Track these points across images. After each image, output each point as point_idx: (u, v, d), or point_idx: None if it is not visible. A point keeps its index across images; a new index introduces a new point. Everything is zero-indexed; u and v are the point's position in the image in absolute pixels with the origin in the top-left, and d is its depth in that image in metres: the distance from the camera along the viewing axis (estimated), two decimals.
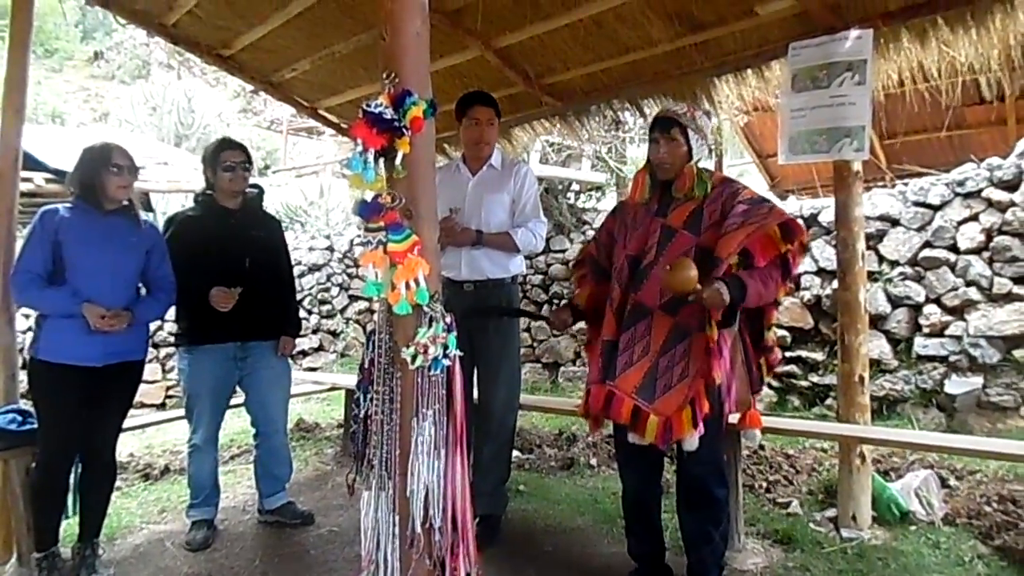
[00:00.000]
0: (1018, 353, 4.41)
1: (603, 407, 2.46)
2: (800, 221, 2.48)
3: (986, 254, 4.61)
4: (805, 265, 5.31)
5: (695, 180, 2.47)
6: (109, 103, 20.77)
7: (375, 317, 1.82)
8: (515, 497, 3.70)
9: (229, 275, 3.16)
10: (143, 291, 3.02)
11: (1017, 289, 4.47)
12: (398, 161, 1.70)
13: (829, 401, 4.93)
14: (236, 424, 4.62)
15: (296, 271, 8.10)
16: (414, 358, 1.67)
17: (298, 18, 3.86)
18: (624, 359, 2.37)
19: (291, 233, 9.26)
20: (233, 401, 3.47)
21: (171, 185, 9.10)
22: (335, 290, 8.36)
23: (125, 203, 2.90)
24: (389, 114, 1.65)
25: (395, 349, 1.74)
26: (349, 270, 8.38)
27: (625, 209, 2.69)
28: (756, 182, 9.14)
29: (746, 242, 2.31)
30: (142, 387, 6.47)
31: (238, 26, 4.10)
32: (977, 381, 4.49)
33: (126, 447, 4.68)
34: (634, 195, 2.61)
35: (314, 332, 8.22)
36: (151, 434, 4.96)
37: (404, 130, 1.67)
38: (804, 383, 5.17)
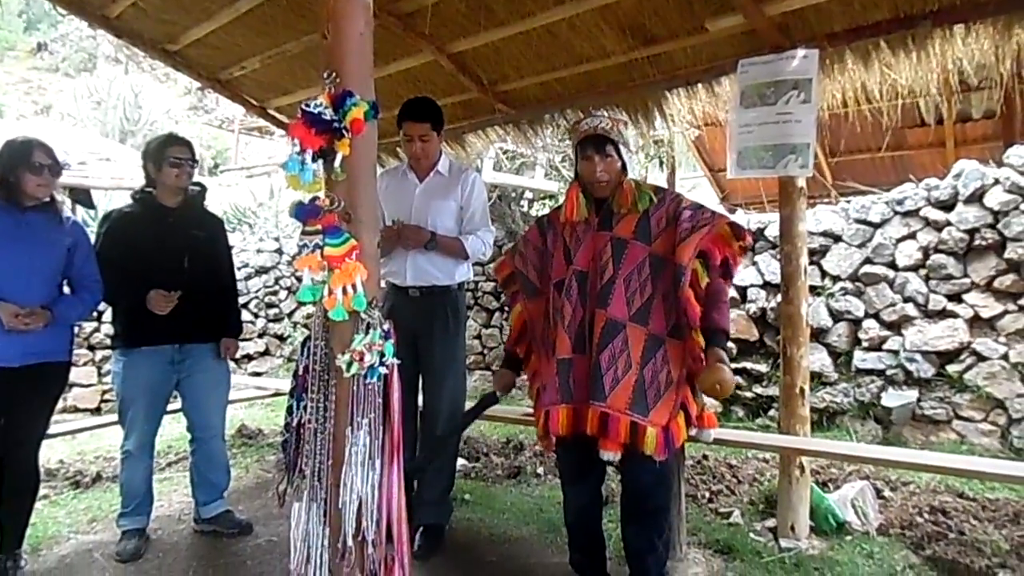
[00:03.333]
0: (951, 368, 4.56)
1: (572, 427, 2.42)
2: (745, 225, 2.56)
3: (923, 271, 4.76)
4: (752, 278, 5.41)
5: (635, 194, 2.49)
6: (52, 96, 20.06)
7: (311, 322, 1.77)
8: (460, 506, 3.66)
9: (167, 275, 3.06)
10: (68, 291, 2.91)
11: (951, 306, 4.62)
12: (337, 163, 1.66)
13: (772, 412, 5.02)
14: (174, 429, 4.48)
15: (243, 273, 7.93)
16: (349, 365, 1.63)
17: (247, 15, 3.78)
18: (610, 377, 2.34)
19: (239, 234, 9.06)
20: (171, 406, 3.35)
21: (114, 182, 8.83)
22: (283, 293, 8.20)
23: (46, 200, 2.79)
24: (329, 115, 1.61)
25: (330, 356, 1.70)
26: (297, 273, 8.22)
27: (556, 225, 2.65)
28: (707, 195, 9.30)
29: (702, 244, 2.39)
30: (76, 391, 6.38)
31: (184, 21, 4.00)
32: (912, 395, 4.62)
33: (56, 453, 4.50)
34: (570, 213, 2.56)
35: (260, 336, 8.03)
36: (84, 440, 4.79)
37: (344, 131, 1.63)
38: (748, 394, 5.25)
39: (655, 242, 2.44)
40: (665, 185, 8.36)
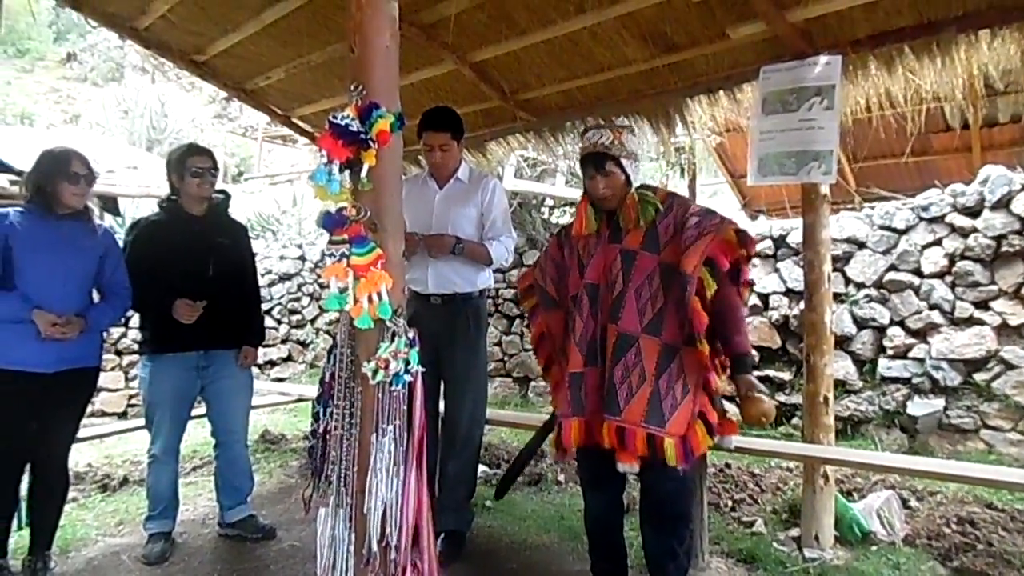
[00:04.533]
0: (978, 376, 4.49)
1: (584, 439, 2.45)
2: (752, 234, 2.53)
3: (949, 278, 4.70)
4: (774, 285, 5.37)
5: (638, 208, 2.47)
6: (81, 105, 20.45)
7: (337, 330, 1.80)
8: (481, 513, 3.67)
9: (193, 283, 3.11)
10: (96, 297, 2.97)
11: (978, 313, 4.55)
12: (364, 174, 1.69)
13: (796, 420, 4.96)
14: (199, 435, 4.53)
15: (266, 280, 8.03)
16: (375, 373, 1.65)
17: (273, 26, 3.83)
18: (624, 390, 2.34)
19: (262, 241, 9.17)
20: (197, 411, 3.41)
21: (141, 190, 8.97)
22: (305, 300, 8.28)
23: (79, 208, 2.86)
24: (356, 126, 1.64)
25: (356, 363, 1.72)
26: (320, 280, 8.30)
27: (572, 238, 2.66)
28: (728, 201, 9.25)
29: (708, 251, 2.34)
30: (103, 395, 6.49)
31: (212, 32, 4.06)
32: (938, 403, 4.56)
33: (84, 457, 4.58)
34: (580, 228, 2.59)
35: (283, 342, 8.12)
36: (111, 444, 4.85)
37: (371, 143, 1.65)
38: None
39: (664, 251, 2.42)
40: (685, 192, 8.33)
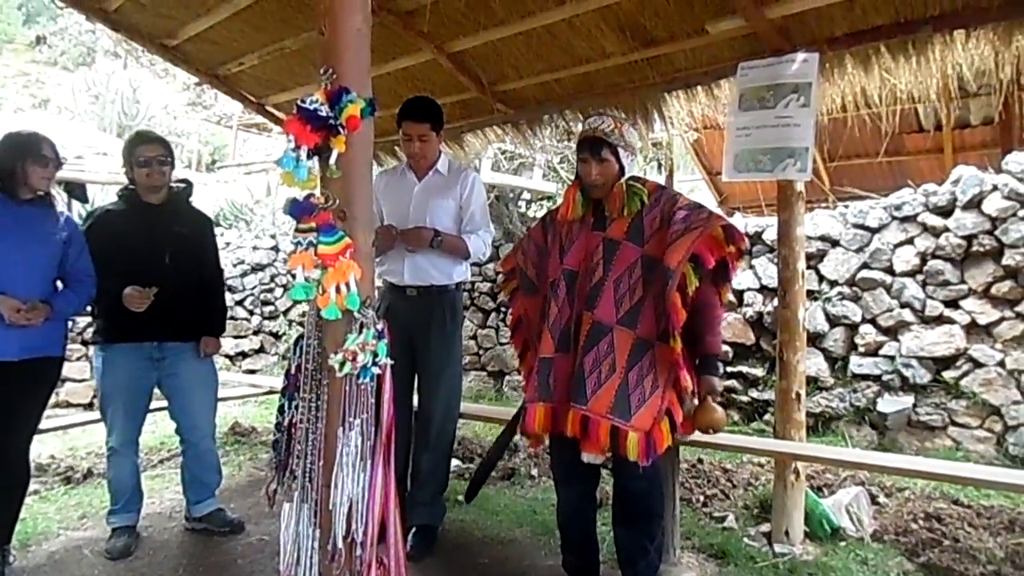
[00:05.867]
0: (947, 374, 4.55)
1: (550, 426, 2.43)
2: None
3: (920, 277, 4.75)
4: (748, 282, 5.39)
5: (624, 198, 2.45)
6: (50, 90, 20.00)
7: (304, 321, 1.75)
8: (453, 507, 3.64)
9: (147, 272, 3.02)
10: (60, 285, 2.90)
11: (948, 312, 4.61)
12: (332, 160, 1.64)
13: (768, 416, 5.00)
14: (167, 426, 4.44)
15: (239, 270, 7.91)
16: (342, 365, 1.61)
17: (246, 10, 3.75)
18: (593, 380, 2.32)
19: (235, 231, 9.04)
20: (161, 404, 3.33)
21: (111, 177, 8.77)
22: (278, 291, 8.17)
23: (41, 193, 2.79)
24: (324, 111, 1.59)
25: (323, 355, 1.68)
26: (293, 271, 8.18)
27: (556, 223, 2.64)
28: (705, 198, 9.28)
29: (694, 248, 2.31)
30: (68, 385, 6.37)
31: (183, 16, 3.97)
32: (908, 400, 4.61)
33: (47, 448, 4.47)
34: (566, 212, 2.57)
35: (255, 333, 8.00)
36: (75, 435, 4.75)
37: (340, 128, 1.61)
38: (744, 398, 5.24)
39: (648, 243, 2.40)
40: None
